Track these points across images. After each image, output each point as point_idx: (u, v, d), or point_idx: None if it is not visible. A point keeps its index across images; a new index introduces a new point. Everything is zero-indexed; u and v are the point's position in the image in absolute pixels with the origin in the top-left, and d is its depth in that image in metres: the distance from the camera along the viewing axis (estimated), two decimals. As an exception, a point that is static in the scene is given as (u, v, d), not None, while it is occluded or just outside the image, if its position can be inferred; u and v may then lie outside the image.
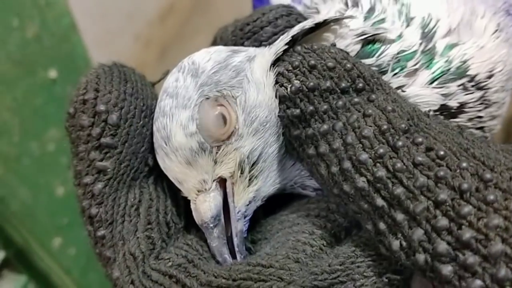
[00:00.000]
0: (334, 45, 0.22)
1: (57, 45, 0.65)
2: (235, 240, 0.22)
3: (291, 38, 0.22)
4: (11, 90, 0.62)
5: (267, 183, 0.22)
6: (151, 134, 0.23)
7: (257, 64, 0.22)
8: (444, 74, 0.23)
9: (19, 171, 0.63)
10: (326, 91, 0.20)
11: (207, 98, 0.22)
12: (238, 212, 0.22)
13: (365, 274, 0.19)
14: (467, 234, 0.16)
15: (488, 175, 0.17)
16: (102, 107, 0.21)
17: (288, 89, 0.21)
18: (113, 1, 0.80)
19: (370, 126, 0.19)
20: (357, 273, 0.19)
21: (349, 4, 0.24)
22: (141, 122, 0.22)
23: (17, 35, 0.61)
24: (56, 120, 0.64)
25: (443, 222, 0.16)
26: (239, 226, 0.22)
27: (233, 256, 0.22)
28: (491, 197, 0.16)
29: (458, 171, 0.17)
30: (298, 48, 0.22)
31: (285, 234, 0.21)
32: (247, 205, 0.22)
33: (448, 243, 0.16)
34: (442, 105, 0.23)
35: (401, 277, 0.19)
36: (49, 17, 0.64)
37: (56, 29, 0.65)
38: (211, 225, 0.22)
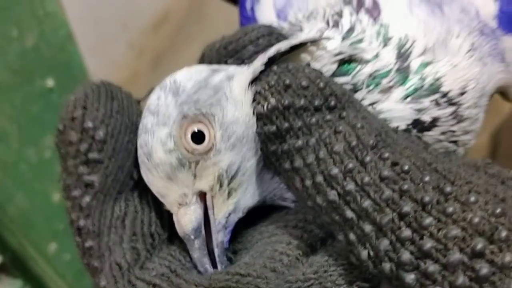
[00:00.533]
0: (308, 64, 0.24)
1: (55, 55, 0.66)
2: (216, 251, 0.23)
3: (267, 60, 0.23)
4: (10, 98, 0.63)
5: (246, 195, 0.23)
6: (136, 149, 0.24)
7: (236, 83, 0.23)
8: (417, 91, 0.24)
9: (17, 177, 0.64)
10: (301, 109, 0.21)
11: (186, 116, 0.23)
12: (218, 224, 0.23)
13: (336, 282, 0.20)
14: (428, 244, 0.17)
15: (448, 188, 0.18)
16: (89, 124, 0.23)
17: (265, 106, 0.22)
18: (107, 9, 0.81)
19: (341, 142, 0.20)
20: (329, 281, 0.20)
21: (330, 23, 0.25)
22: (126, 138, 0.23)
23: (16, 45, 0.63)
24: (52, 128, 0.64)
25: (406, 233, 0.17)
26: (219, 237, 0.23)
27: (215, 266, 0.23)
28: (451, 209, 0.17)
29: (421, 184, 0.18)
30: (275, 68, 0.23)
31: (263, 244, 0.22)
32: (227, 217, 0.23)
33: (411, 253, 0.17)
34: (415, 119, 0.24)
35: (370, 285, 0.20)
36: (47, 27, 0.65)
37: (54, 40, 0.66)
38: (192, 237, 0.23)
